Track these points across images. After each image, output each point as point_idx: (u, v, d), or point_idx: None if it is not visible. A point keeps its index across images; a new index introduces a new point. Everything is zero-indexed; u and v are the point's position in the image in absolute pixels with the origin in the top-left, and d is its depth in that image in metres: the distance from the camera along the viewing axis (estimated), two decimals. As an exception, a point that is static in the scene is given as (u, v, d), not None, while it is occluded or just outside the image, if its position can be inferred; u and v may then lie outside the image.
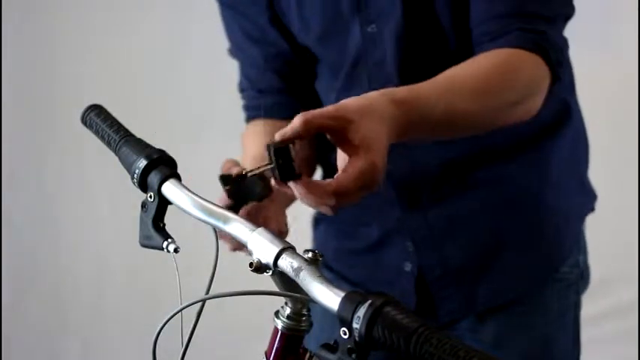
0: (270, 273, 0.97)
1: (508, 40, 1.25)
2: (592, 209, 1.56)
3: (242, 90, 1.55)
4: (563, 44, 1.32)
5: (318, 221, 1.61)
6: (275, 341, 1.01)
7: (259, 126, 1.49)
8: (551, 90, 1.28)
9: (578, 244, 1.53)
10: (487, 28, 1.28)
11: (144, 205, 1.06)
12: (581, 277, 1.53)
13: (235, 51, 1.54)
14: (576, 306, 1.53)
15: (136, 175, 1.06)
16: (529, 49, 1.24)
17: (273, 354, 1.01)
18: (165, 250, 1.05)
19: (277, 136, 1.00)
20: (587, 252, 1.55)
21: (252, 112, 1.52)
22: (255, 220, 1.24)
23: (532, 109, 1.25)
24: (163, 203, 1.06)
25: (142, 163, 1.06)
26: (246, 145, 1.45)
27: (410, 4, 1.34)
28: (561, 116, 1.47)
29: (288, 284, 0.97)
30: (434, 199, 1.43)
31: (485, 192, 1.44)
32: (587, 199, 1.56)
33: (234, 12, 1.50)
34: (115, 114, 1.16)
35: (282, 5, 1.44)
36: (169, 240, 1.05)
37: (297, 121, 0.99)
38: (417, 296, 1.48)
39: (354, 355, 0.85)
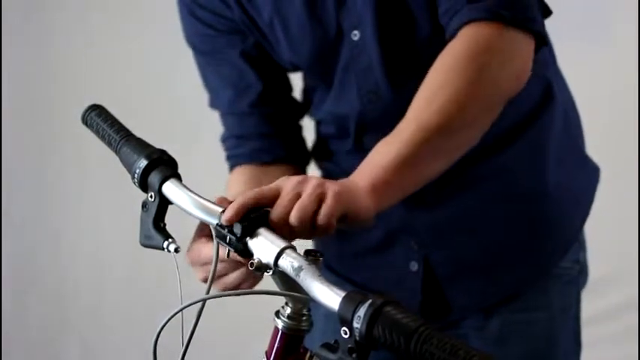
0: (271, 273, 0.97)
1: (461, 17, 1.24)
2: (597, 181, 1.56)
3: (223, 140, 1.54)
4: (526, 2, 1.26)
5: None
6: (275, 341, 1.01)
7: (239, 173, 1.49)
8: (535, 60, 1.26)
9: (579, 241, 1.53)
10: (445, 6, 1.27)
11: (144, 205, 1.07)
12: (580, 274, 1.53)
13: (213, 100, 1.53)
14: (577, 302, 1.54)
15: (136, 175, 1.06)
16: (483, 19, 1.22)
17: (273, 354, 1.01)
18: (165, 249, 1.05)
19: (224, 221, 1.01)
20: (587, 249, 1.56)
21: (232, 161, 1.51)
22: None
23: (519, 76, 1.23)
24: (164, 203, 1.06)
25: (143, 163, 1.06)
26: (229, 190, 1.45)
27: (383, 5, 1.34)
28: (546, 99, 1.46)
29: (288, 284, 0.97)
30: (438, 198, 1.43)
31: (488, 186, 1.44)
32: (590, 174, 1.56)
33: (210, 59, 1.49)
34: (115, 114, 1.16)
35: (267, 36, 1.43)
36: (170, 240, 1.05)
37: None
38: (424, 295, 1.48)
39: (354, 355, 0.85)
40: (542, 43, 1.27)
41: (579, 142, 1.55)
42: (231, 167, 1.51)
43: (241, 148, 1.50)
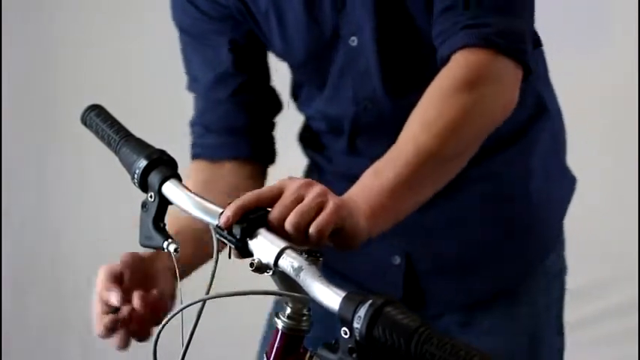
0: (271, 273, 0.97)
1: (455, 41, 1.24)
2: (573, 191, 1.58)
3: (191, 125, 1.53)
4: (521, 31, 1.28)
5: None
6: (275, 341, 1.01)
7: (198, 170, 1.47)
8: (526, 81, 1.27)
9: (560, 238, 1.56)
10: (440, 27, 1.28)
11: (144, 205, 1.07)
12: (562, 268, 1.56)
13: (192, 83, 1.52)
14: (560, 299, 1.56)
15: (136, 175, 1.07)
16: (477, 46, 1.23)
17: (273, 354, 1.01)
18: (165, 249, 1.05)
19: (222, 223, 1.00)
20: (565, 247, 1.58)
21: (195, 150, 1.49)
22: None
23: (506, 106, 1.25)
24: (164, 203, 1.06)
25: (143, 163, 1.06)
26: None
27: (383, 12, 1.34)
28: (538, 111, 1.48)
29: (288, 284, 0.97)
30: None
31: (475, 189, 1.46)
32: (569, 183, 1.58)
33: (196, 41, 1.48)
34: (115, 114, 1.16)
35: (260, 24, 1.42)
36: (169, 240, 1.05)
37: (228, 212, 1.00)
38: (405, 289, 1.49)
39: (354, 355, 0.85)
40: (528, 73, 1.28)
41: (563, 152, 1.58)
42: (192, 157, 1.49)
43: (207, 139, 1.48)
